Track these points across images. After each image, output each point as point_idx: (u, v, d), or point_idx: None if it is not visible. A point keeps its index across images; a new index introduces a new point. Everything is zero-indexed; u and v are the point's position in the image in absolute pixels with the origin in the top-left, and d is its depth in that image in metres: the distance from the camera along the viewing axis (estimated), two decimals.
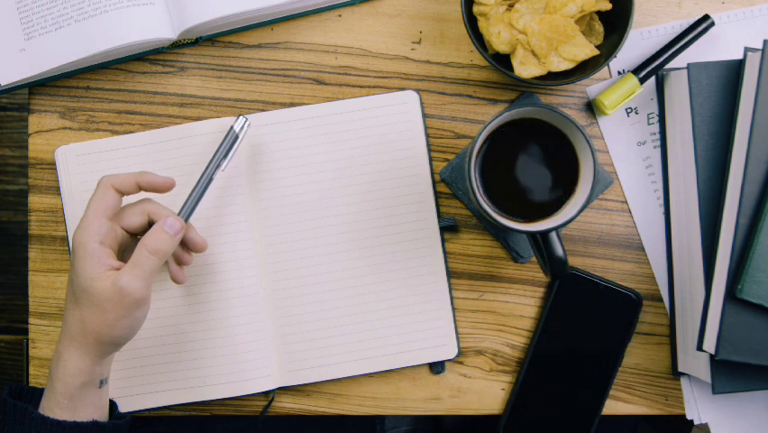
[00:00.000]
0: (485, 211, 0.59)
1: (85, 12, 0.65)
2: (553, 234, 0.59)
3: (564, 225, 0.58)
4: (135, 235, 0.62)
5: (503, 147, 0.62)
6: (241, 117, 0.65)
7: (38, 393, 0.60)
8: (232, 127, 0.65)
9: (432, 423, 0.87)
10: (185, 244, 0.63)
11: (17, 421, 0.57)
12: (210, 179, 0.64)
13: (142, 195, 0.63)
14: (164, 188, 0.61)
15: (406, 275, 0.68)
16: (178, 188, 0.66)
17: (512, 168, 0.62)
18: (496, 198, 0.62)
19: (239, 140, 0.65)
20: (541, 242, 0.59)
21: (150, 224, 0.61)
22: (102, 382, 0.59)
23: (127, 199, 0.61)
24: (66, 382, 0.57)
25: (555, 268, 0.59)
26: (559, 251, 0.59)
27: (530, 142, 0.62)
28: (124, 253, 0.61)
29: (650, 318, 0.69)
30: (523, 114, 0.60)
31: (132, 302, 0.56)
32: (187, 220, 0.62)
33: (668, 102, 0.69)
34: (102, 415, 0.60)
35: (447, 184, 0.69)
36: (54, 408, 0.57)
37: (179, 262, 0.64)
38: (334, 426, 0.78)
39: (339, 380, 0.69)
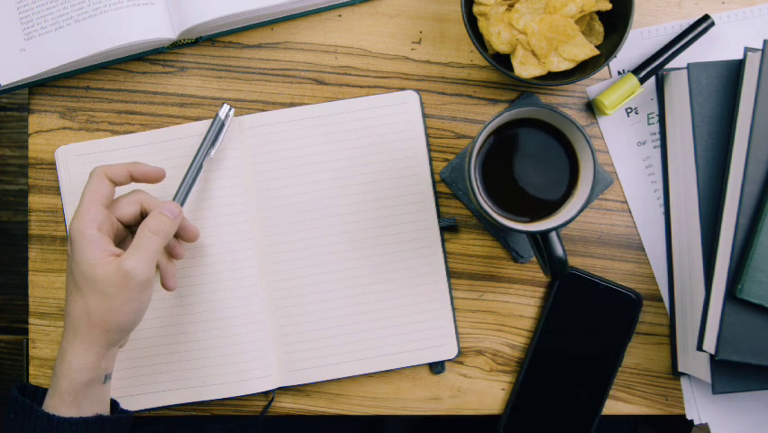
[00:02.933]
0: (485, 211, 0.59)
1: (85, 12, 0.65)
2: (553, 235, 0.59)
3: (564, 225, 0.58)
4: (128, 227, 0.62)
5: (503, 147, 0.62)
6: (225, 105, 0.66)
7: (40, 392, 0.60)
8: (217, 114, 0.66)
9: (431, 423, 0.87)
10: (178, 234, 0.64)
11: (24, 419, 0.57)
12: (200, 167, 0.65)
13: (133, 186, 0.63)
14: (155, 178, 0.62)
15: (406, 275, 0.68)
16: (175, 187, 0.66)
17: (512, 168, 0.62)
18: (496, 198, 0.62)
19: (225, 127, 0.66)
20: (541, 242, 0.59)
21: (143, 214, 0.61)
22: (106, 378, 0.59)
23: (119, 191, 0.62)
24: (71, 378, 0.57)
25: (555, 268, 0.59)
26: (559, 251, 0.59)
27: (530, 141, 0.62)
28: (119, 244, 0.62)
29: (650, 318, 0.69)
30: (523, 114, 0.60)
31: (137, 284, 0.56)
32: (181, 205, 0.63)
33: (668, 102, 0.69)
34: (104, 411, 0.60)
35: (447, 184, 0.69)
36: (59, 405, 0.57)
37: (172, 255, 0.64)
38: (334, 426, 0.78)
39: (339, 380, 0.68)
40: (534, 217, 0.62)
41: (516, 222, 0.61)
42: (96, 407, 0.59)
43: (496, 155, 0.62)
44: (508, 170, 0.62)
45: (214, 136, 0.66)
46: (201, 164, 0.65)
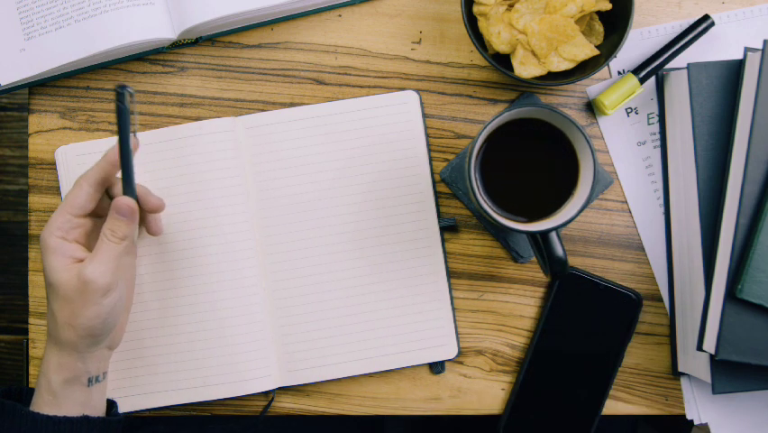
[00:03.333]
0: (485, 211, 0.59)
1: (85, 12, 0.65)
2: (553, 234, 0.59)
3: (564, 225, 0.58)
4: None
5: (503, 147, 0.62)
6: (121, 86, 0.58)
7: (28, 393, 0.60)
8: (118, 100, 0.58)
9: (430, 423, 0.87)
10: (146, 210, 0.63)
11: (7, 419, 0.57)
12: (129, 151, 0.59)
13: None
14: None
15: (406, 275, 0.68)
16: (180, 188, 0.66)
17: (512, 168, 0.62)
18: (496, 198, 0.62)
19: (129, 107, 0.59)
20: (541, 242, 0.59)
21: (111, 196, 0.62)
22: (90, 381, 0.59)
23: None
24: (48, 377, 0.58)
25: (555, 268, 0.59)
26: (559, 251, 0.59)
27: (530, 142, 0.62)
28: None
29: (650, 318, 0.69)
30: (523, 114, 0.60)
31: (96, 289, 0.56)
32: (134, 195, 0.60)
33: (668, 102, 0.69)
34: (93, 414, 0.60)
35: (447, 184, 0.69)
36: (42, 405, 0.58)
37: (148, 228, 0.65)
38: (334, 426, 0.78)
39: (339, 380, 0.68)
40: (534, 217, 0.62)
41: (516, 222, 0.61)
42: (82, 408, 0.59)
43: (496, 155, 0.62)
44: (508, 170, 0.62)
45: (124, 117, 0.59)
46: (128, 147, 0.59)
